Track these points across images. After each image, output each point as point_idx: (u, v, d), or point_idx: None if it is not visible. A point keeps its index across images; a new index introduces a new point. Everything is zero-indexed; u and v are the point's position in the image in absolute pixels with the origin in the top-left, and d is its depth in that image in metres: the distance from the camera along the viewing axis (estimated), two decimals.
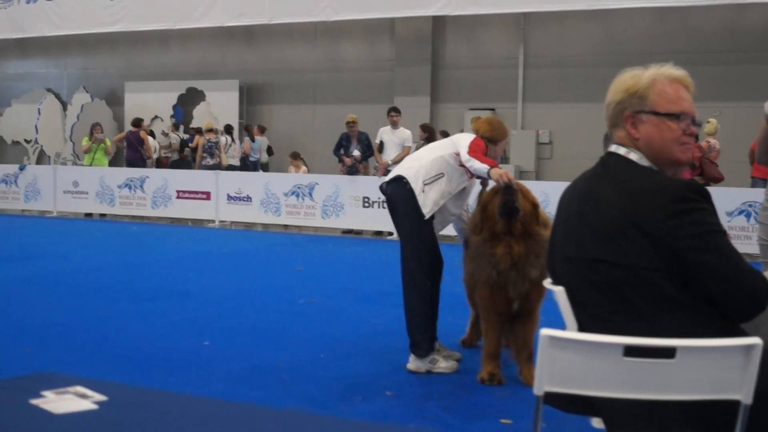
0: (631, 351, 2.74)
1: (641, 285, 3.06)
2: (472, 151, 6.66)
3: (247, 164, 22.24)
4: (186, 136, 24.50)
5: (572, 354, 2.80)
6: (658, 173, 3.24)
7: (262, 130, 23.52)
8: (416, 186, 6.81)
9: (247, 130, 23.27)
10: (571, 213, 3.33)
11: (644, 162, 3.27)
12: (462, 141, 6.85)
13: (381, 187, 7.18)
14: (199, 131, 23.42)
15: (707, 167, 14.96)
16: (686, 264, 3.03)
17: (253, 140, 22.81)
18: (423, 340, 6.78)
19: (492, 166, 6.51)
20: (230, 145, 22.07)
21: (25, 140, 28.34)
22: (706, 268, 3.02)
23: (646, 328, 2.96)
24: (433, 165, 6.87)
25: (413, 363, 6.82)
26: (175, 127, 25.36)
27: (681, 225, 3.03)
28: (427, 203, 6.82)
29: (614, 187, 3.20)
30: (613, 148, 3.36)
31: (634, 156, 3.28)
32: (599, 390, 2.84)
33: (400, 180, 6.89)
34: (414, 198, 6.80)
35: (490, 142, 6.99)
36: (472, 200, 7.30)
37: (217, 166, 21.14)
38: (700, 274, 3.03)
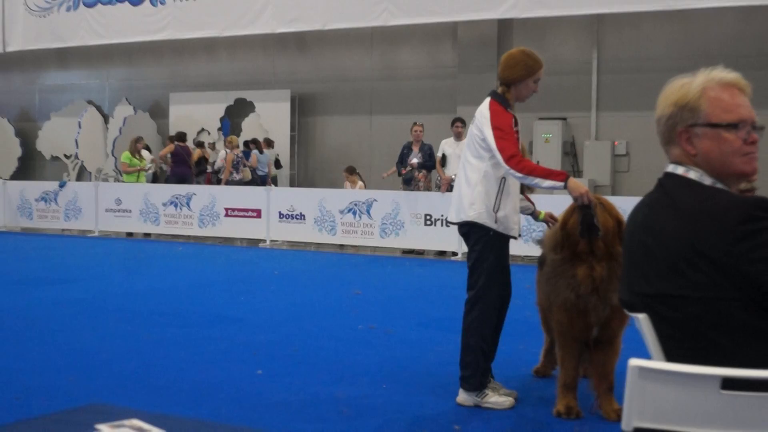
0: (729, 384, 2.68)
1: (718, 318, 2.97)
2: (508, 154, 6.38)
3: (254, 178, 22.73)
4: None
5: (664, 386, 2.75)
6: (721, 192, 3.12)
7: (269, 144, 24.11)
8: (492, 222, 6.64)
9: (254, 143, 23.76)
10: (634, 245, 3.24)
11: (706, 180, 3.16)
12: (489, 140, 6.52)
13: (452, 223, 7.02)
14: (200, 145, 24.49)
15: None
16: (765, 290, 2.91)
17: (261, 152, 23.30)
18: (473, 375, 6.65)
19: (565, 179, 6.30)
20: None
21: (65, 155, 28.75)
22: None
23: (729, 365, 2.82)
24: (489, 181, 6.66)
25: (461, 396, 6.73)
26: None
27: (752, 248, 2.91)
28: (510, 223, 6.72)
29: (674, 213, 3.10)
30: (670, 168, 3.24)
31: (693, 174, 3.17)
32: (693, 426, 2.78)
33: (473, 224, 6.71)
34: (495, 234, 6.66)
35: (509, 86, 6.70)
36: None
37: (241, 182, 21.68)
38: None
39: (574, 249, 6.33)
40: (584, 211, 6.24)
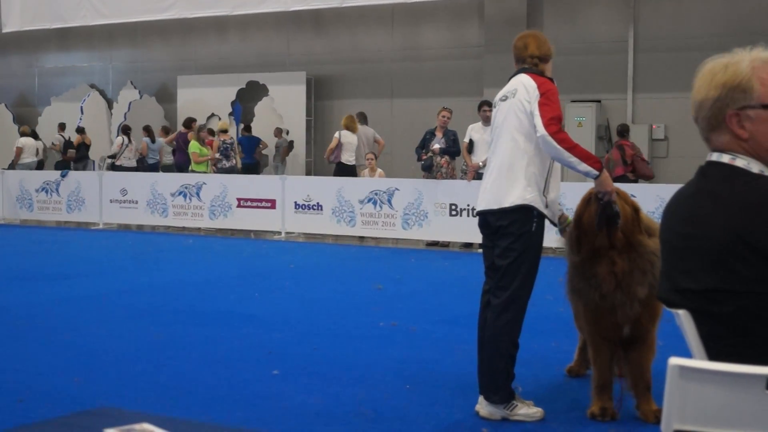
0: None
1: (766, 314, 2.98)
2: (548, 116, 6.18)
3: (144, 166, 24.16)
4: (67, 137, 26.65)
5: (706, 387, 2.77)
6: None
7: (167, 131, 25.23)
8: (543, 207, 6.44)
9: (146, 130, 24.65)
10: (675, 238, 3.23)
11: (754, 168, 3.14)
12: (534, 107, 6.32)
13: (484, 216, 6.66)
14: (81, 131, 26.27)
15: (639, 165, 17.27)
16: None
17: (153, 141, 24.47)
18: (504, 386, 6.49)
19: (600, 170, 6.15)
20: (126, 146, 24.14)
21: None
22: None
23: None
24: (540, 159, 6.45)
25: (486, 409, 6.50)
26: (61, 128, 27.00)
27: None
28: (555, 209, 6.61)
29: (720, 204, 3.09)
30: (714, 156, 3.23)
31: (740, 162, 3.15)
32: (737, 429, 2.79)
33: (523, 211, 6.42)
34: (542, 223, 6.48)
35: (543, 62, 6.65)
36: None
37: (233, 169, 22.16)
38: None
39: (593, 246, 6.31)
40: (603, 199, 6.19)
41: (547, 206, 6.47)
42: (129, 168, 23.79)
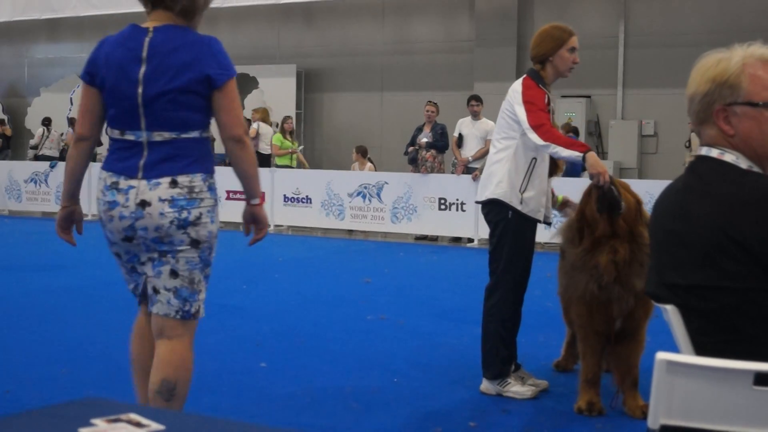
0: (762, 379, 2.69)
1: (753, 310, 2.99)
2: (536, 123, 6.43)
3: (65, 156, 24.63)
4: None
5: (693, 382, 2.76)
6: (758, 177, 3.12)
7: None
8: (517, 203, 6.68)
9: (70, 121, 25.54)
10: (663, 233, 3.24)
11: (742, 163, 3.15)
12: (520, 115, 6.57)
13: (477, 202, 7.15)
14: (1, 123, 27.90)
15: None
16: None
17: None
18: (494, 363, 6.80)
19: (585, 151, 6.29)
20: (46, 137, 25.77)
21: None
22: None
23: (763, 359, 2.81)
24: (518, 159, 6.70)
25: (484, 384, 6.90)
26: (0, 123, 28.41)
27: None
28: (537, 205, 6.75)
29: (708, 199, 3.10)
30: (704, 150, 3.23)
31: (729, 157, 3.16)
32: (724, 424, 2.79)
33: (496, 203, 6.77)
34: (520, 216, 6.71)
35: (544, 62, 6.81)
36: None
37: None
38: None
39: (594, 236, 6.32)
40: (602, 189, 6.23)
41: (522, 201, 6.69)
42: (52, 157, 24.74)
